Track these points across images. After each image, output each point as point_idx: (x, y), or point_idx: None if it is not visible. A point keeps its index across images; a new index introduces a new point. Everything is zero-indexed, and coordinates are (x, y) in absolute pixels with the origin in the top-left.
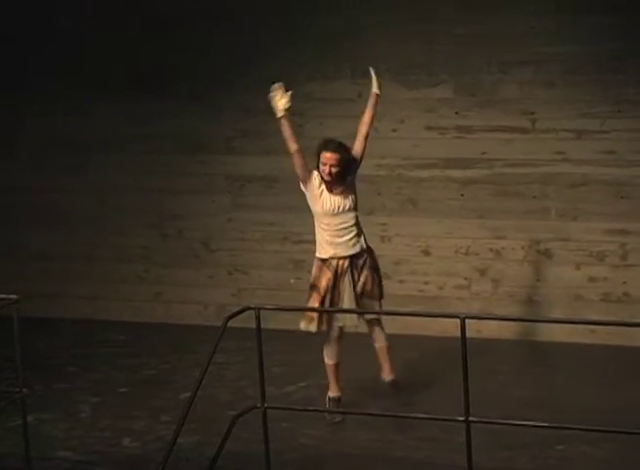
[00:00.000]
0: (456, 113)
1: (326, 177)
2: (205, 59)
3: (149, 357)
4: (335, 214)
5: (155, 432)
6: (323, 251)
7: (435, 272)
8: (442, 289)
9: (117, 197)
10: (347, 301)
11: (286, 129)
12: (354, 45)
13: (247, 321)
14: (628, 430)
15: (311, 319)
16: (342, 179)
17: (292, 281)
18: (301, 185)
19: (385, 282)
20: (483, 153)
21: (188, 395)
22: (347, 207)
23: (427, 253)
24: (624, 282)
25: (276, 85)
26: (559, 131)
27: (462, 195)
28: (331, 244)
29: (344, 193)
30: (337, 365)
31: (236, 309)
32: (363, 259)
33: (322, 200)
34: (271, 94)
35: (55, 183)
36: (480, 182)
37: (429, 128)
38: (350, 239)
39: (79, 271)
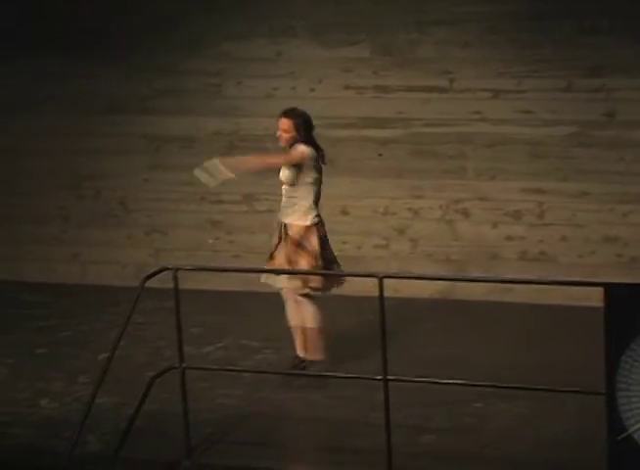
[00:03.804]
0: (373, 72)
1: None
2: (121, 17)
3: (66, 319)
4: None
5: (73, 393)
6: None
7: (354, 232)
8: (361, 249)
9: (33, 158)
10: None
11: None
12: (272, 4)
13: (165, 282)
14: (544, 387)
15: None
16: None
17: (210, 241)
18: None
19: None
20: (401, 112)
21: (106, 355)
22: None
23: (345, 212)
24: (541, 241)
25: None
26: (476, 91)
27: (380, 155)
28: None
29: None
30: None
31: (154, 270)
32: None
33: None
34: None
35: None
36: (397, 142)
37: (346, 88)
38: None
39: None
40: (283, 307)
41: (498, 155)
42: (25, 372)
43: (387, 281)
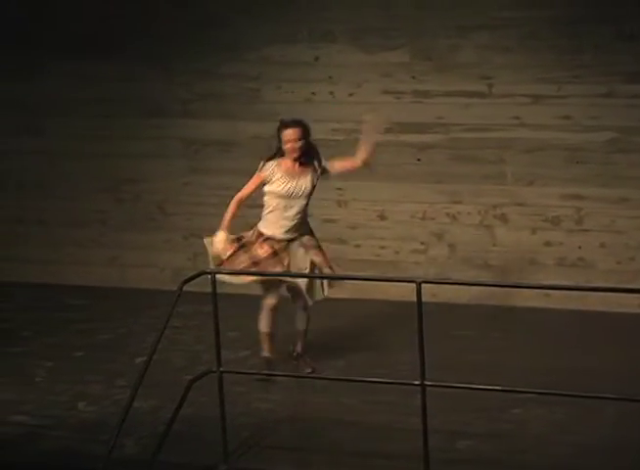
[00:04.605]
0: (413, 77)
1: (295, 154)
2: (160, 21)
3: (104, 322)
4: (290, 197)
5: (110, 396)
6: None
7: (392, 237)
8: (399, 254)
9: (71, 161)
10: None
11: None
12: (311, 8)
13: (202, 286)
14: (582, 393)
15: None
16: (306, 157)
17: None
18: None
19: (341, 247)
20: (440, 117)
21: (144, 359)
22: (302, 192)
23: (383, 217)
24: (579, 247)
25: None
26: (515, 96)
27: (418, 160)
28: (279, 225)
29: (304, 176)
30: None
31: (192, 274)
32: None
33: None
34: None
35: (6, 146)
36: (436, 147)
37: (385, 92)
38: (296, 224)
39: (32, 235)
40: (320, 312)
41: (537, 160)
42: (64, 375)
43: (425, 286)
